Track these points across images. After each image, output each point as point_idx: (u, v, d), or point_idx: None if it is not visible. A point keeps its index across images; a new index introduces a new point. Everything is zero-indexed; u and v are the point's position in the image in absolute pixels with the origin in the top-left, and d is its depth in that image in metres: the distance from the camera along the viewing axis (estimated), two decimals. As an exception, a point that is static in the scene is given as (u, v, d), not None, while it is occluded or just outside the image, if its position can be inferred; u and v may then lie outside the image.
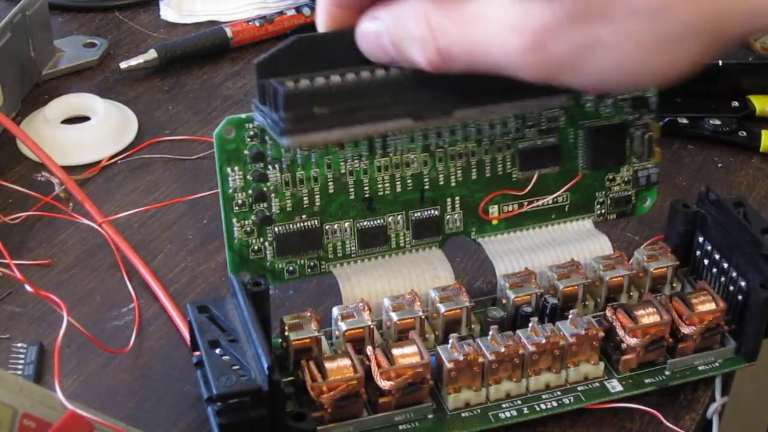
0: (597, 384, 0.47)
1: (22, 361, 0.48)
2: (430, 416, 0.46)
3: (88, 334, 0.48)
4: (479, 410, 0.46)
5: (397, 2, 0.40)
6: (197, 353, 0.44)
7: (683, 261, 0.52)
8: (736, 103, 0.66)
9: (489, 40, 0.38)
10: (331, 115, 0.42)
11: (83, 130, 0.63)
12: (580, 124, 0.52)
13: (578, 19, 0.36)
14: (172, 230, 0.57)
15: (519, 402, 0.46)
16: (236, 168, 0.47)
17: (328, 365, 0.44)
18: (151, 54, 0.69)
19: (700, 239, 0.51)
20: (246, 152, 0.47)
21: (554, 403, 0.47)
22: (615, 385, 0.47)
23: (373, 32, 0.42)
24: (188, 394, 0.47)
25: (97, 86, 0.68)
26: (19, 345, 0.49)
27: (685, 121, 0.64)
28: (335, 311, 0.47)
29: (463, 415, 0.46)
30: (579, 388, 0.47)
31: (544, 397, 0.47)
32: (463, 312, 0.48)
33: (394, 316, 0.47)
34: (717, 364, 0.49)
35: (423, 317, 0.47)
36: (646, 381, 0.48)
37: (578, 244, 0.51)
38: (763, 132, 0.64)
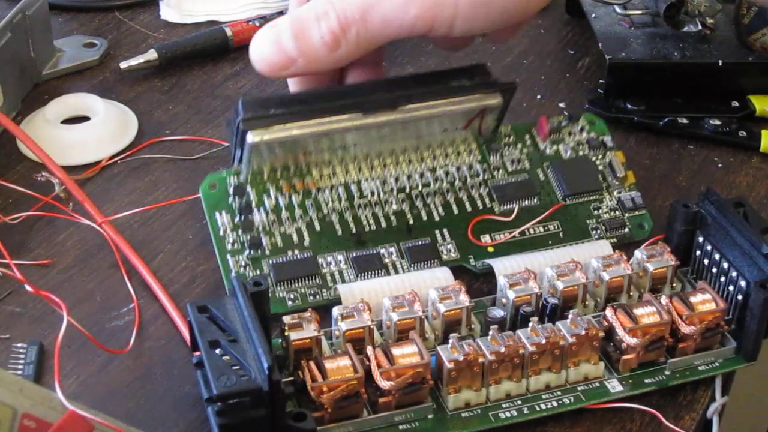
0: (597, 384, 0.47)
1: (22, 361, 0.48)
2: (430, 416, 0.46)
3: (88, 334, 0.48)
4: (479, 410, 0.46)
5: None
6: (197, 353, 0.44)
7: (683, 261, 0.52)
8: (736, 103, 0.66)
9: None
10: (287, 113, 0.48)
11: (83, 130, 0.63)
12: (545, 165, 0.55)
13: None
14: (172, 230, 0.57)
15: (519, 402, 0.46)
16: (223, 212, 0.51)
17: (328, 365, 0.44)
18: (151, 54, 0.69)
19: (700, 239, 0.51)
20: (230, 201, 0.51)
21: (554, 403, 0.47)
22: (615, 385, 0.47)
23: (271, 34, 0.47)
24: (188, 394, 0.47)
25: (97, 86, 0.68)
26: (19, 345, 0.49)
27: (685, 121, 0.64)
28: (335, 311, 0.47)
29: (463, 415, 0.46)
30: (579, 388, 0.47)
31: (544, 397, 0.47)
32: (463, 312, 0.48)
33: (394, 316, 0.47)
34: (717, 364, 0.49)
35: (423, 317, 0.47)
36: (646, 381, 0.48)
37: (578, 245, 0.52)
38: (763, 132, 0.64)
